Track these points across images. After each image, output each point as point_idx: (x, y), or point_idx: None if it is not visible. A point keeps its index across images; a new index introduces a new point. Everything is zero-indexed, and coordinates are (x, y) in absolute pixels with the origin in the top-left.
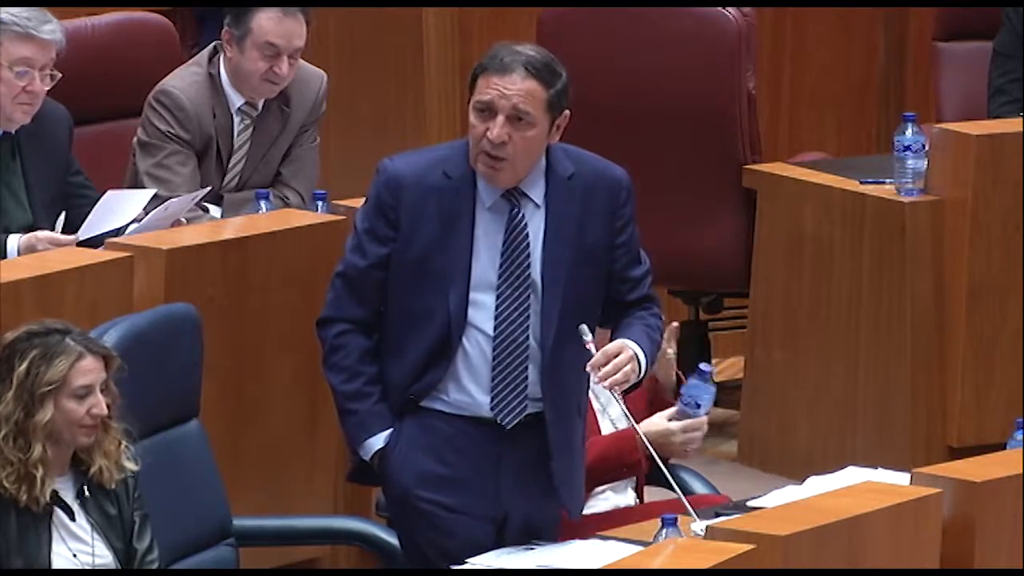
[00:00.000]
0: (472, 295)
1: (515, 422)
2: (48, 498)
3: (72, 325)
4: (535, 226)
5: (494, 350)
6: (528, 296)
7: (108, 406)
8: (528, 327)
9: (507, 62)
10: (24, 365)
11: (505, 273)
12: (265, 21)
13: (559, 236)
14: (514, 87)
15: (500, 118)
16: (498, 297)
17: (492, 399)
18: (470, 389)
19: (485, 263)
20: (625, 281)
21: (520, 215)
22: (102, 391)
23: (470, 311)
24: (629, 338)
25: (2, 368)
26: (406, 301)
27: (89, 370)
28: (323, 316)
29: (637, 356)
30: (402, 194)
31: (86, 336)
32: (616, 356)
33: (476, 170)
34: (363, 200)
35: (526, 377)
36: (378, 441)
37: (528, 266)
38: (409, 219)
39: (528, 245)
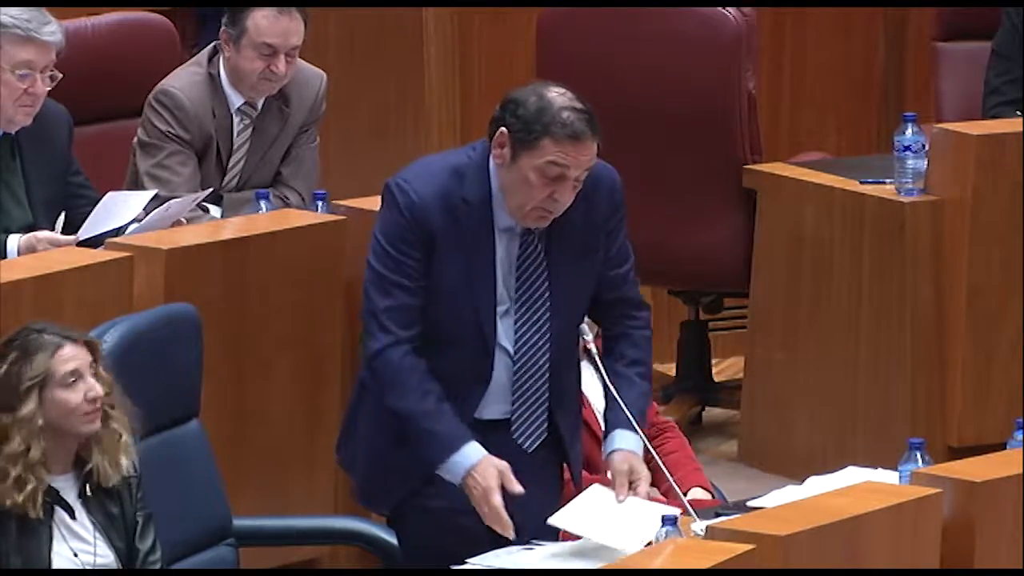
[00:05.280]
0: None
1: (535, 446)
2: (42, 501)
3: (49, 323)
4: (543, 239)
5: (515, 370)
6: (546, 314)
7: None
8: (548, 345)
9: (579, 130)
10: (3, 369)
11: (523, 295)
12: (260, 20)
13: (566, 245)
14: (587, 155)
15: (569, 184)
16: (517, 321)
17: (512, 419)
18: (491, 408)
19: (501, 284)
20: (615, 279)
21: (533, 235)
22: (93, 376)
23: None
24: (620, 427)
25: None
26: (431, 326)
27: (71, 357)
28: (375, 349)
29: (637, 452)
30: (431, 223)
31: (64, 328)
32: (631, 474)
33: (519, 220)
34: (362, 199)
35: (547, 396)
36: (467, 459)
37: (543, 284)
38: (438, 244)
39: (543, 264)
